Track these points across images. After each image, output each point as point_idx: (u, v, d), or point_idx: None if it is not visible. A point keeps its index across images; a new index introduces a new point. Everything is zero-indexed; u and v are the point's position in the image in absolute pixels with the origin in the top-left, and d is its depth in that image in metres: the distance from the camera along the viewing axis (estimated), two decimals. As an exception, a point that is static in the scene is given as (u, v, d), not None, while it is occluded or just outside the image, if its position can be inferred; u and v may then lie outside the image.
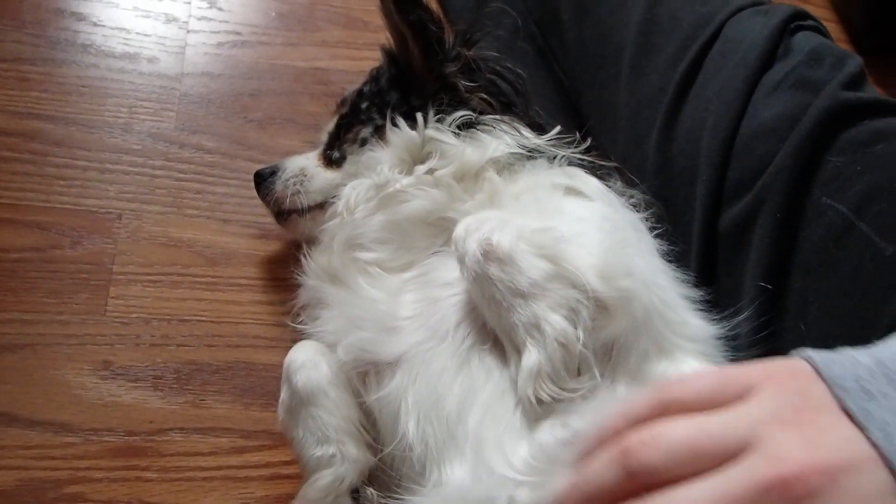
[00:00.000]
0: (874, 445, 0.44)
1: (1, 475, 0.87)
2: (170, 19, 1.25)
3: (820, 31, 0.95)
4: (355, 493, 0.78)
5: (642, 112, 0.99)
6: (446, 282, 0.77)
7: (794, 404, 0.47)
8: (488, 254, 0.68)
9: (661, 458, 0.47)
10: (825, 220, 0.79)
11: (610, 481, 0.48)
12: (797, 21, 0.94)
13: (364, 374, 0.79)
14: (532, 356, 0.65)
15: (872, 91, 0.88)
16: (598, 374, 0.68)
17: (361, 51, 1.27)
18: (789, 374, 0.49)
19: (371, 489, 0.78)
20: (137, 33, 1.23)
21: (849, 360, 0.48)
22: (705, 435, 0.47)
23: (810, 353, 0.49)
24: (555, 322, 0.65)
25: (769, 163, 0.83)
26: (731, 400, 0.48)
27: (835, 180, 0.79)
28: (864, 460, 0.44)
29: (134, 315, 1.00)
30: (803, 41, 0.91)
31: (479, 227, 0.70)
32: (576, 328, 0.66)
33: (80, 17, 1.22)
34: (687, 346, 0.73)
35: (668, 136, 0.95)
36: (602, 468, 0.48)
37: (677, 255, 0.81)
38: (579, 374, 0.67)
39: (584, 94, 1.12)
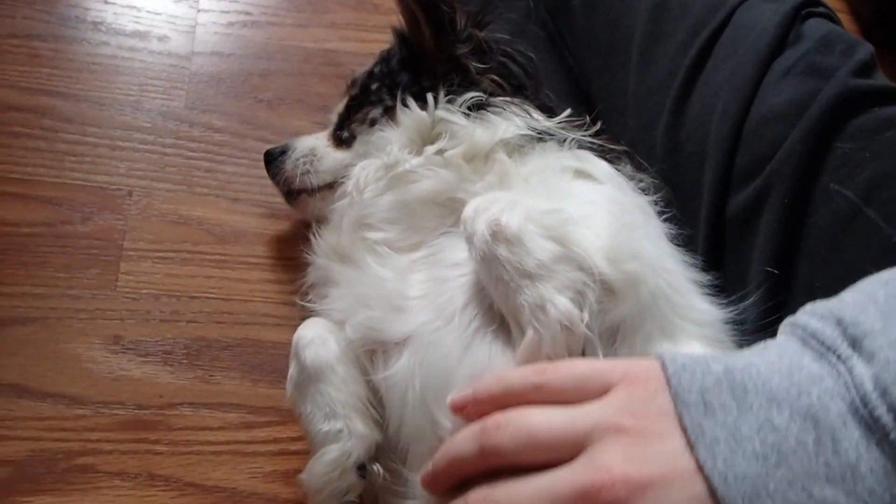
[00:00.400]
0: (699, 465, 0.46)
1: (13, 445, 0.88)
2: (180, -2, 1.25)
3: (831, 18, 0.95)
4: (362, 468, 0.78)
5: (652, 97, 0.99)
6: (455, 262, 0.78)
7: (635, 411, 0.50)
8: (496, 234, 0.68)
9: (507, 442, 0.52)
10: (833, 207, 0.79)
11: (468, 453, 0.53)
12: (808, 8, 0.93)
13: (372, 353, 0.79)
14: (533, 336, 0.66)
15: (882, 79, 0.88)
16: (601, 356, 0.68)
17: (371, 33, 1.27)
18: (643, 379, 0.51)
19: (377, 465, 0.79)
20: (148, 11, 1.23)
21: (700, 369, 0.49)
22: (548, 429, 0.51)
23: (668, 359, 0.51)
24: (560, 304, 0.65)
25: (778, 148, 0.83)
26: (591, 394, 0.52)
27: (843, 167, 0.80)
28: (683, 474, 0.46)
29: (144, 291, 1.01)
30: (814, 28, 0.91)
31: (487, 207, 0.71)
32: (581, 310, 0.66)
33: (91, -6, 1.22)
34: (692, 330, 0.73)
35: (677, 121, 0.95)
36: (465, 439, 0.54)
37: (685, 240, 0.82)
38: (584, 355, 0.68)
39: (593, 80, 1.12)
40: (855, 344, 0.47)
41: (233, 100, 1.18)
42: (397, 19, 0.95)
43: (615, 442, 0.49)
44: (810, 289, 0.78)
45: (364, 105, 0.96)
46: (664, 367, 0.50)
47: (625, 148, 0.89)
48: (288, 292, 1.02)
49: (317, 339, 0.82)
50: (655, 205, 0.83)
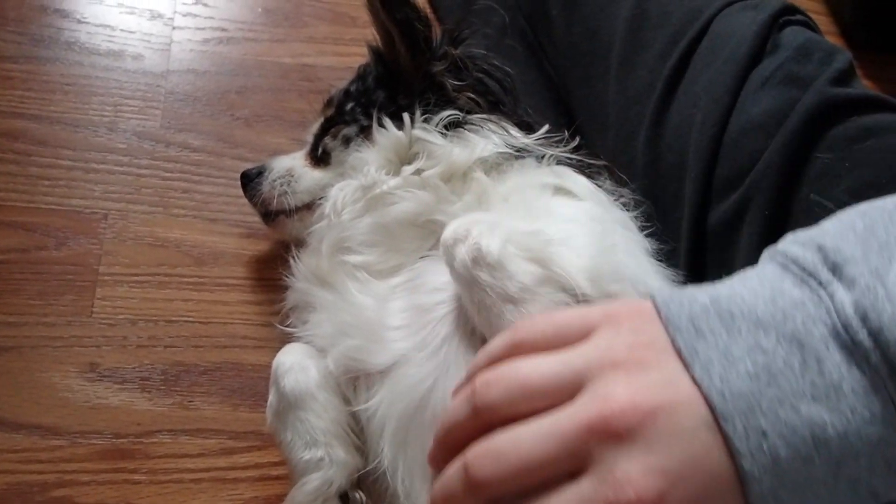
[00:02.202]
0: (696, 382, 0.46)
1: (-13, 479, 0.86)
2: (155, 16, 1.24)
3: (809, 25, 0.95)
4: (344, 497, 0.77)
5: (631, 108, 0.99)
6: (435, 287, 0.77)
7: (628, 343, 0.50)
8: (477, 259, 0.67)
9: (499, 396, 0.51)
10: (813, 217, 0.76)
11: (462, 417, 0.52)
12: (786, 16, 0.93)
13: (354, 379, 0.78)
14: None
15: (861, 86, 0.88)
16: None
17: (349, 46, 1.26)
18: (629, 314, 0.51)
19: (359, 493, 0.78)
20: (122, 30, 1.21)
21: (687, 299, 0.50)
22: (539, 374, 0.50)
23: (654, 292, 0.51)
24: None
25: (758, 159, 0.83)
26: (574, 339, 0.51)
27: (823, 177, 0.79)
28: (685, 398, 0.46)
29: (120, 316, 0.99)
30: (792, 36, 0.91)
31: (467, 230, 0.69)
32: None
33: (63, 14, 1.21)
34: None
35: (656, 132, 0.95)
36: (458, 405, 0.53)
37: (667, 254, 0.81)
38: None
39: (573, 91, 1.11)
40: (835, 270, 0.48)
41: (209, 118, 1.17)
42: (373, 34, 0.94)
43: (614, 374, 0.48)
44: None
45: (340, 125, 0.95)
46: (653, 300, 0.51)
47: (604, 162, 0.89)
48: (268, 314, 1.00)
49: (296, 365, 0.81)
50: (636, 220, 0.82)
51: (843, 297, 0.47)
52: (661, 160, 0.94)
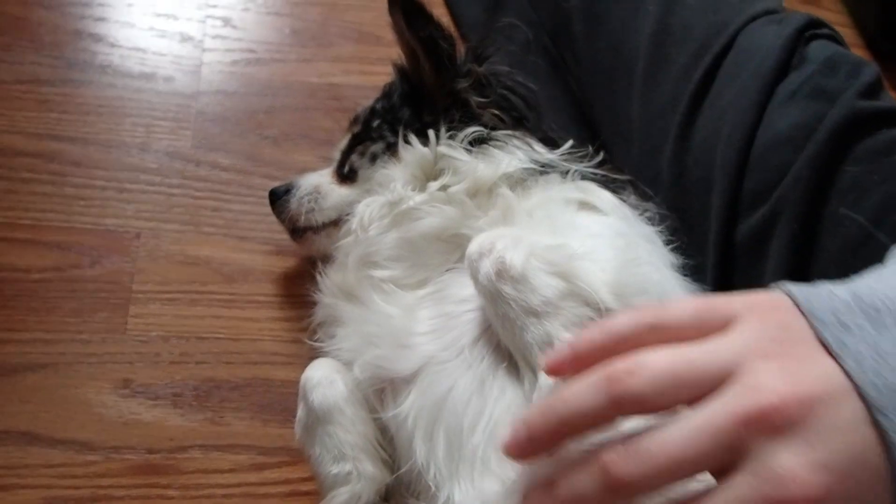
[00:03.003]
0: (848, 375, 0.45)
1: (25, 494, 0.88)
2: (185, 38, 1.26)
3: (835, 39, 0.95)
4: (373, 510, 0.78)
5: (656, 123, 0.99)
6: (461, 298, 0.77)
7: (774, 336, 0.48)
8: (501, 273, 0.68)
9: (646, 386, 0.46)
10: (843, 231, 0.78)
11: (591, 406, 0.47)
12: (812, 30, 0.93)
13: (381, 391, 0.79)
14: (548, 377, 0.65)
15: (889, 99, 0.87)
16: None
17: (375, 65, 1.27)
18: (770, 306, 0.49)
19: (388, 506, 0.79)
20: (154, 53, 1.24)
21: (826, 294, 0.49)
22: (687, 364, 0.47)
23: (790, 286, 0.50)
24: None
25: (785, 173, 0.82)
26: (713, 328, 0.49)
27: (852, 190, 0.79)
28: (840, 391, 0.45)
29: (153, 333, 1.01)
30: (818, 50, 0.91)
31: (492, 245, 0.70)
32: None
33: (97, 39, 1.24)
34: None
35: (682, 147, 0.95)
36: (585, 392, 0.48)
37: (693, 268, 0.81)
38: None
39: (597, 106, 1.12)
40: None
41: (238, 137, 1.19)
42: (398, 53, 0.95)
43: (766, 365, 0.46)
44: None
45: (366, 141, 0.96)
46: (791, 295, 0.49)
47: (629, 177, 0.89)
48: (296, 330, 1.01)
49: (324, 380, 0.81)
50: (662, 234, 0.82)
51: None
52: (686, 174, 0.94)
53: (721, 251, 0.88)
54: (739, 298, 0.51)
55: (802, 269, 0.80)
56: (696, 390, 0.46)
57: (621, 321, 0.50)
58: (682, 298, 0.61)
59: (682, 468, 0.45)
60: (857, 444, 0.44)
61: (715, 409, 0.45)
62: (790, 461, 0.43)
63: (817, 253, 0.80)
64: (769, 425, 0.44)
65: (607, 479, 0.46)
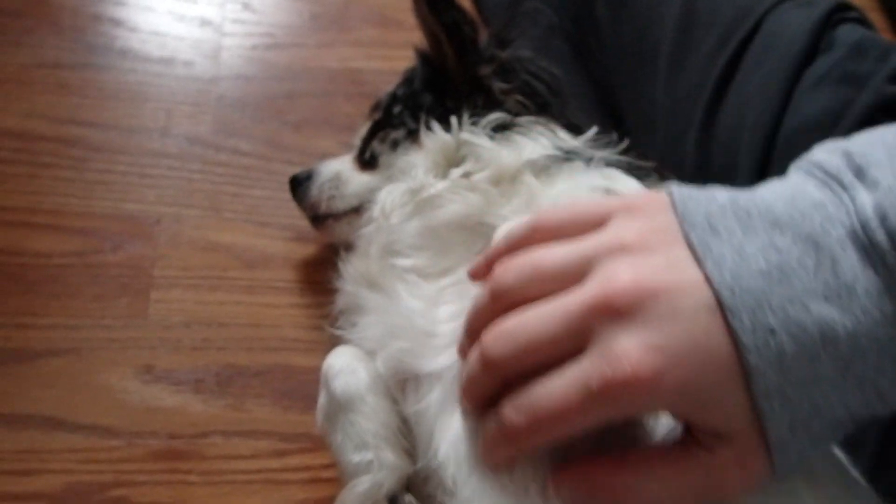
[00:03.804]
0: (707, 277, 0.47)
1: (48, 479, 0.88)
2: (204, 23, 1.26)
3: (864, 22, 0.93)
4: (393, 500, 0.77)
5: (681, 109, 0.98)
6: None
7: (638, 228, 0.50)
8: None
9: (513, 280, 0.53)
10: None
11: (483, 304, 0.56)
12: (840, 13, 0.91)
13: (403, 382, 0.78)
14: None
15: (919, 84, 0.85)
16: None
17: (396, 50, 1.25)
18: (648, 206, 0.52)
19: (409, 496, 0.78)
20: (173, 37, 1.23)
21: (705, 197, 0.50)
22: (550, 259, 0.52)
23: (674, 187, 0.52)
24: None
25: None
26: (589, 227, 0.53)
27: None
28: (687, 283, 0.47)
29: (175, 319, 1.01)
30: (846, 34, 0.89)
31: None
32: None
33: (117, 23, 1.23)
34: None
35: (707, 133, 0.93)
36: (480, 293, 0.56)
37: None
38: None
39: (620, 92, 1.10)
40: (859, 173, 0.49)
41: (258, 123, 1.18)
42: (420, 38, 0.94)
43: (620, 257, 0.50)
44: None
45: (387, 128, 0.95)
46: (671, 195, 0.52)
47: (654, 164, 0.87)
48: (317, 316, 1.01)
49: (346, 368, 0.81)
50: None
51: (865, 198, 0.47)
52: (711, 161, 0.93)
53: None
54: (618, 198, 0.57)
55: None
56: (560, 283, 0.51)
57: (515, 229, 0.57)
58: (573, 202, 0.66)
59: (541, 349, 0.50)
60: (697, 333, 0.46)
61: (568, 298, 0.50)
62: (626, 343, 0.46)
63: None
64: (612, 310, 0.47)
65: (483, 358, 0.53)
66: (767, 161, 0.86)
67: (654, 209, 0.52)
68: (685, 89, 0.98)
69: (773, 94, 0.87)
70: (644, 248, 0.49)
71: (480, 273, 0.60)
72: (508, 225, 0.71)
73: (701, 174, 0.93)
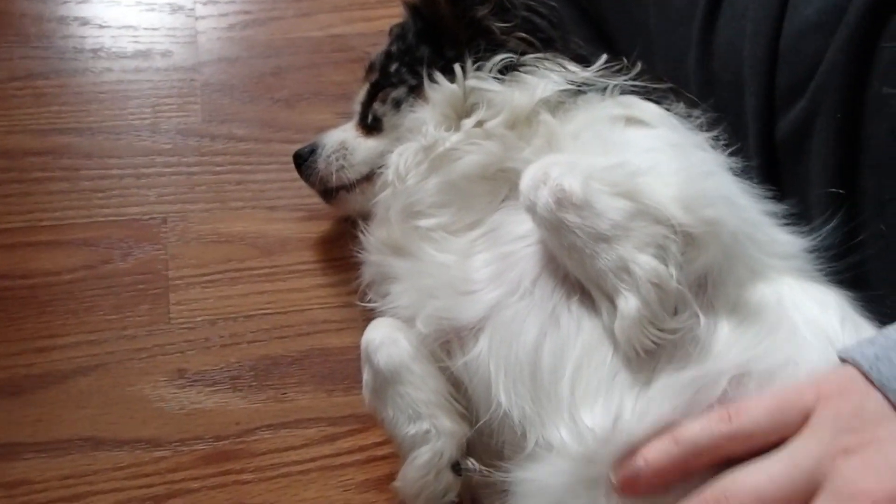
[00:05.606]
0: None
1: (99, 500, 0.86)
2: (175, 9, 1.22)
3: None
4: (456, 466, 0.76)
5: (676, 30, 0.95)
6: (518, 235, 0.74)
7: (849, 425, 0.48)
8: (562, 201, 0.64)
9: None
10: (889, 111, 0.74)
11: None
12: None
13: (447, 344, 0.76)
14: (629, 302, 0.62)
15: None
16: (697, 309, 0.64)
17: (376, 10, 1.23)
18: (839, 389, 0.50)
19: (472, 460, 0.76)
20: (145, 28, 1.20)
21: (893, 348, 0.49)
22: (772, 484, 0.49)
23: (855, 355, 0.49)
24: (644, 262, 0.62)
25: (820, 62, 0.78)
26: (789, 428, 0.50)
27: (893, 68, 0.74)
28: None
29: (199, 318, 0.98)
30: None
31: (546, 173, 0.67)
32: (667, 265, 0.62)
33: (84, 22, 1.20)
34: (780, 265, 0.70)
35: (706, 51, 0.91)
36: None
37: (748, 172, 0.77)
38: (676, 312, 0.64)
39: (611, 21, 1.08)
40: None
41: (249, 104, 1.15)
42: (401, -7, 0.91)
43: (851, 463, 0.46)
44: (880, 203, 0.74)
45: (386, 87, 0.92)
46: (858, 367, 0.49)
47: (670, 85, 0.84)
48: (344, 294, 0.99)
49: (386, 339, 0.79)
50: (717, 139, 0.78)
51: None
52: (714, 80, 0.90)
53: (763, 153, 0.84)
54: (809, 385, 0.51)
55: (851, 159, 0.76)
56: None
57: (694, 430, 0.53)
58: (754, 397, 0.58)
59: None
60: None
61: None
62: None
63: (864, 140, 0.75)
64: None
65: None
66: (773, 70, 0.83)
67: (852, 392, 0.49)
68: (677, 10, 0.95)
69: (770, 1, 0.83)
70: (868, 445, 0.46)
71: (632, 480, 0.55)
72: (533, 168, 0.68)
73: (705, 95, 0.89)
